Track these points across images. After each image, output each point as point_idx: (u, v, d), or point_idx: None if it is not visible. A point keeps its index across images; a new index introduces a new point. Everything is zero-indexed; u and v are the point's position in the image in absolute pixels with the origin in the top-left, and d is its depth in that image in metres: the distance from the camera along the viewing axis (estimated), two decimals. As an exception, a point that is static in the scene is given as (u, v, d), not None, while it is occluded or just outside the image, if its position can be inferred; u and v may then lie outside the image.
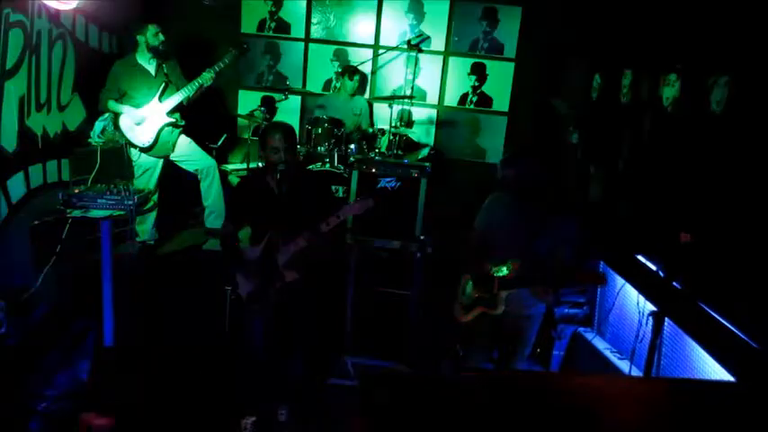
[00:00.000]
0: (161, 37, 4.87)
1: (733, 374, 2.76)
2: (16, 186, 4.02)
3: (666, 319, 3.12)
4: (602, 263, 4.19)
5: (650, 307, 3.18)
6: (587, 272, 3.20)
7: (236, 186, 3.81)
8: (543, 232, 3.26)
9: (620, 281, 3.81)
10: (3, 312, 3.27)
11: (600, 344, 4.01)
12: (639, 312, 3.39)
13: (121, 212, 3.67)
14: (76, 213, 3.56)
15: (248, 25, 6.46)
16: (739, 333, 2.79)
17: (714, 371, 2.93)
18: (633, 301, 3.56)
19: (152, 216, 5.05)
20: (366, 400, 1.89)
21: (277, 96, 6.18)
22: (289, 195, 3.31)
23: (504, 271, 3.26)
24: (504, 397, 1.95)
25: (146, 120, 4.88)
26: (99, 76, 4.87)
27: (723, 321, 2.89)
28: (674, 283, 3.15)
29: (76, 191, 3.66)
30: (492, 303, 3.34)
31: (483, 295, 3.34)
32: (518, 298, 3.35)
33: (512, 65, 6.39)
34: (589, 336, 4.13)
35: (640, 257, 3.56)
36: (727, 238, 3.00)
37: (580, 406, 1.93)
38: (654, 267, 3.40)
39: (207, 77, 4.97)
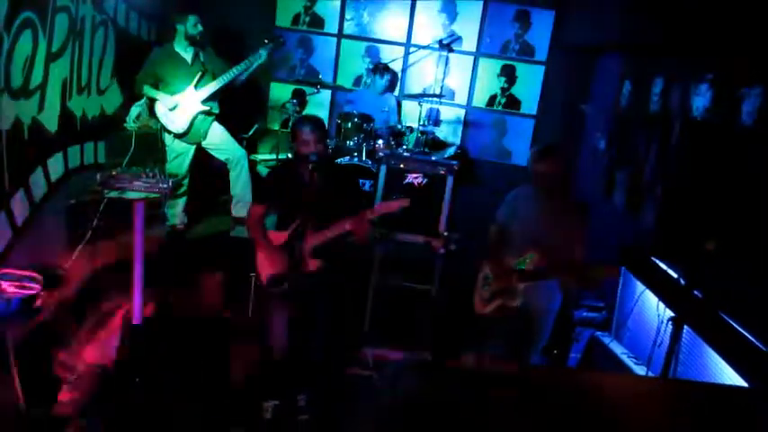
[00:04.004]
0: (199, 27, 4.98)
1: (751, 384, 2.78)
2: (56, 166, 4.15)
3: (685, 326, 3.15)
4: (623, 269, 4.22)
5: (670, 313, 3.21)
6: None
7: (268, 173, 3.91)
8: (563, 227, 3.34)
9: (640, 287, 3.83)
10: (40, 285, 3.39)
11: (617, 348, 4.04)
12: (659, 318, 3.42)
13: (155, 195, 3.78)
14: (113, 194, 3.68)
15: (283, 19, 6.56)
16: (759, 344, 2.81)
17: (732, 380, 2.95)
18: (653, 307, 3.59)
19: (182, 201, 5.18)
20: (391, 388, 1.96)
21: (308, 90, 6.28)
22: (320, 186, 3.40)
23: (525, 263, 3.34)
24: (528, 391, 2.00)
25: (180, 107, 5.00)
26: (137, 63, 5.00)
27: (743, 331, 2.91)
28: (695, 291, 3.17)
29: (114, 173, 3.78)
30: (511, 295, 3.41)
31: (502, 287, 3.42)
32: (535, 291, 3.42)
33: (542, 68, 6.41)
34: (606, 340, 4.16)
35: (662, 264, 3.58)
36: (751, 248, 3.02)
37: (599, 403, 1.98)
38: (674, 274, 3.42)
39: (239, 69, 5.07)
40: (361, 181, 5.19)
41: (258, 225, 3.58)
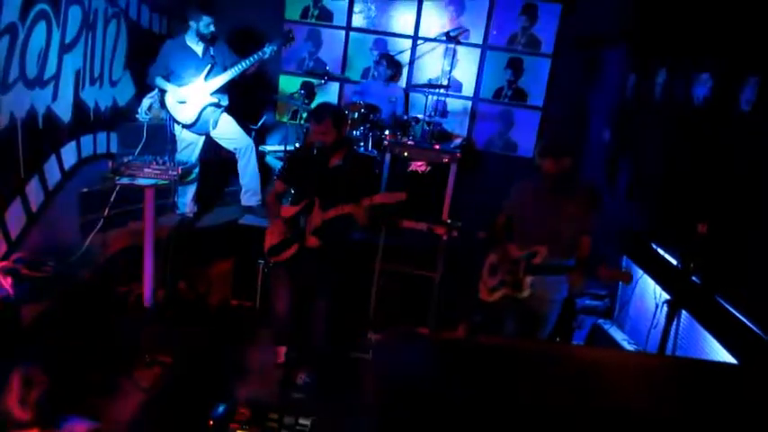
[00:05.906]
0: (212, 28, 5.06)
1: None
2: (69, 154, 4.27)
3: (684, 312, 3.20)
4: (625, 257, 4.28)
5: (666, 296, 3.26)
6: (613, 269, 3.30)
7: (291, 153, 4.11)
8: (570, 220, 3.37)
9: (640, 273, 3.89)
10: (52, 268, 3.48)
11: (617, 334, 4.10)
12: (656, 302, 3.47)
13: (165, 182, 3.89)
14: (125, 180, 3.80)
15: (292, 12, 6.64)
16: (755, 328, 2.86)
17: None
18: (650, 292, 3.65)
19: (191, 189, 5.27)
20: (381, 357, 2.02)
21: (316, 81, 6.36)
22: (335, 170, 3.55)
23: (532, 257, 3.39)
24: (519, 361, 2.06)
25: (190, 98, 5.08)
26: (149, 55, 5.09)
27: (739, 315, 2.96)
28: (692, 276, 3.22)
29: (126, 159, 3.90)
30: (518, 287, 3.46)
31: (509, 278, 3.47)
32: (542, 283, 3.46)
33: (548, 61, 6.45)
34: (607, 326, 4.22)
35: (661, 250, 3.63)
36: (748, 232, 3.06)
37: (587, 374, 2.04)
38: (673, 260, 3.47)
39: (249, 62, 5.15)
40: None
41: (274, 198, 3.83)
